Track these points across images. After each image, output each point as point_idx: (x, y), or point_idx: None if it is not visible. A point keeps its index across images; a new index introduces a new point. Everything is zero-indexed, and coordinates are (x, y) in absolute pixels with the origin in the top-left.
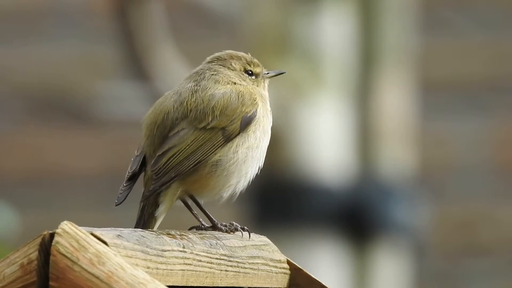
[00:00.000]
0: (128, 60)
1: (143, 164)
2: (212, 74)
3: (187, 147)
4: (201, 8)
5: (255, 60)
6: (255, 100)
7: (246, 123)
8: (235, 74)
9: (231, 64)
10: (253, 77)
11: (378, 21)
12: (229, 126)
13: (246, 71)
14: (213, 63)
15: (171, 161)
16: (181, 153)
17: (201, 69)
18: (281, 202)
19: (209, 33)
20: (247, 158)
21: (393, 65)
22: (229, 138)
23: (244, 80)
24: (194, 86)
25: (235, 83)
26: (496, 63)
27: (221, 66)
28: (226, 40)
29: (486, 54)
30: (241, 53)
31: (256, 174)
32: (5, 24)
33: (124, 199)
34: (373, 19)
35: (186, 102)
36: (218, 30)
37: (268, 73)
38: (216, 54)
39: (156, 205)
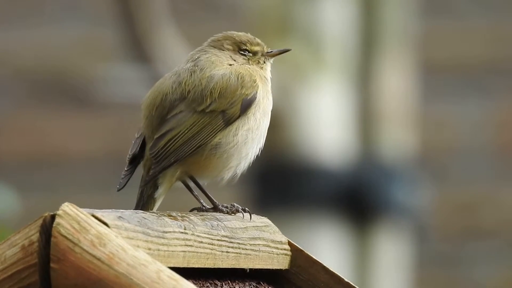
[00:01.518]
0: (129, 43)
1: (143, 145)
2: (207, 56)
3: (186, 131)
4: None
5: (255, 39)
6: (255, 82)
7: (246, 105)
8: (225, 55)
9: (222, 45)
10: (250, 54)
11: (379, 4)
12: (229, 109)
13: (241, 50)
14: (208, 45)
15: (170, 145)
16: (181, 137)
17: (198, 50)
18: (282, 184)
19: (211, 15)
20: (247, 140)
21: (394, 48)
22: (229, 122)
23: (237, 60)
24: (192, 66)
25: (232, 64)
26: (497, 46)
27: (212, 47)
28: (227, 23)
29: (487, 36)
30: (238, 33)
31: (257, 156)
32: (6, 6)
33: (125, 184)
34: (374, 2)
35: (185, 83)
36: (220, 12)
37: (271, 51)
38: (215, 35)
39: (155, 186)
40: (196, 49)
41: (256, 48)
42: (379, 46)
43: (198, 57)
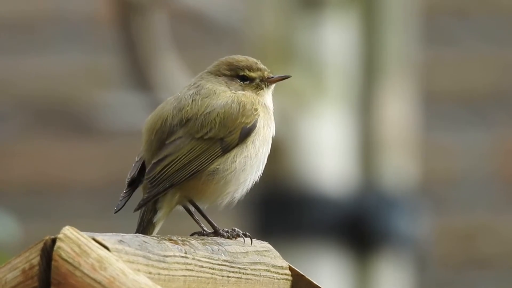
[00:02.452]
0: (130, 70)
1: (143, 169)
2: (206, 83)
3: (183, 157)
4: (204, 18)
5: (256, 64)
6: (256, 110)
7: (246, 134)
8: (219, 81)
9: (219, 70)
10: (247, 82)
11: (380, 31)
12: (227, 137)
13: (239, 76)
14: (207, 70)
15: (166, 170)
16: (177, 162)
17: (200, 76)
18: (283, 212)
19: (212, 43)
20: (246, 167)
21: (396, 76)
22: (227, 149)
23: (231, 87)
24: (194, 94)
25: (234, 92)
26: (499, 74)
27: (210, 74)
28: (228, 50)
29: (489, 65)
30: (240, 57)
31: (256, 182)
32: (8, 34)
33: (122, 206)
34: (376, 29)
35: (185, 109)
36: (221, 40)
37: (272, 77)
38: (219, 59)
39: (154, 211)
40: (199, 74)
41: (254, 74)
42: (381, 74)
43: (199, 84)
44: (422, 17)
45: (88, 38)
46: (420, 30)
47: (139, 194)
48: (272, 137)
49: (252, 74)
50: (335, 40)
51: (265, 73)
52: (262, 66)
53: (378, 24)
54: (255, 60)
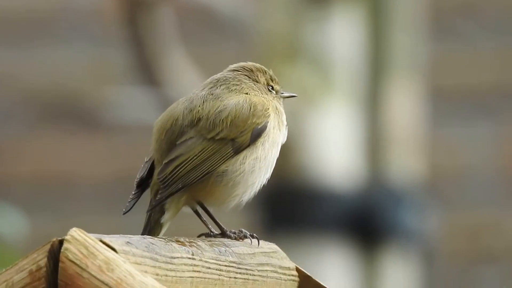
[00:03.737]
0: (138, 66)
1: (152, 169)
2: (234, 84)
3: (195, 157)
4: (212, 14)
5: (274, 76)
6: (267, 111)
7: (257, 135)
8: (259, 87)
9: (257, 76)
10: (274, 93)
11: (388, 28)
12: (239, 137)
13: (269, 86)
14: (239, 72)
15: (177, 171)
16: (189, 163)
17: (224, 76)
18: (291, 208)
19: (219, 39)
20: (254, 169)
21: (403, 72)
22: (238, 150)
23: (268, 95)
24: (206, 94)
25: (247, 93)
26: (506, 71)
27: (246, 77)
28: (236, 47)
29: (496, 61)
30: (268, 70)
31: (264, 185)
32: (15, 29)
33: (131, 207)
34: (383, 26)
35: (196, 110)
36: (228, 36)
37: (283, 93)
38: (241, 64)
39: (162, 211)
40: (220, 74)
41: (277, 87)
42: (388, 71)
43: (219, 84)
44: (430, 14)
45: (95, 34)
46: (427, 27)
47: (147, 194)
48: (283, 142)
49: (277, 87)
50: (343, 36)
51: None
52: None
53: (385, 21)
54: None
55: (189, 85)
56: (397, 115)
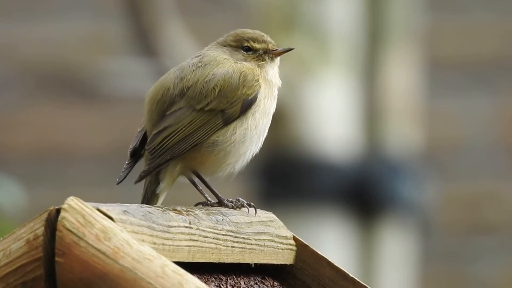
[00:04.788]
0: (135, 37)
1: (145, 139)
2: (211, 53)
3: (183, 128)
4: None
5: (262, 37)
6: (257, 81)
7: (247, 106)
8: (224, 51)
9: (225, 41)
10: (250, 52)
11: None
12: (228, 108)
13: (243, 47)
14: (216, 41)
15: (166, 142)
16: (178, 134)
17: (208, 47)
18: (287, 178)
19: (217, 10)
20: (245, 139)
21: (400, 43)
22: (228, 121)
23: (234, 57)
24: (197, 62)
25: (236, 62)
26: (503, 42)
27: (218, 44)
28: (233, 17)
29: (493, 32)
30: (247, 30)
31: (256, 154)
32: (12, 1)
33: (125, 177)
34: None
35: (186, 78)
36: (226, 7)
37: (276, 49)
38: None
39: (157, 182)
40: (208, 46)
41: (258, 46)
42: (385, 41)
43: (204, 53)
44: None
45: (92, 4)
46: None
47: (142, 164)
48: (273, 112)
49: (256, 45)
50: (340, 7)
51: (270, 45)
52: (268, 39)
53: None
54: (262, 33)
55: (186, 56)
56: (394, 85)
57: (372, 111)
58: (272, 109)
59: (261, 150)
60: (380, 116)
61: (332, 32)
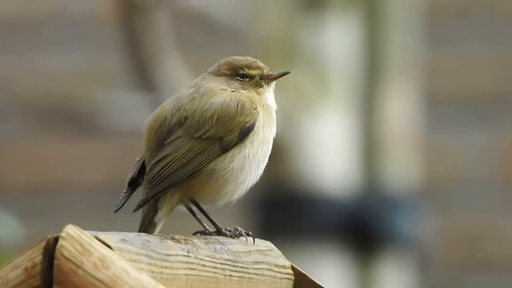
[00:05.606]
0: (133, 70)
1: (143, 169)
2: (207, 83)
3: (181, 157)
4: (207, 18)
5: (255, 63)
6: (255, 109)
7: (245, 133)
8: (220, 80)
9: (219, 70)
10: (247, 79)
11: (383, 32)
12: (226, 136)
13: (238, 75)
14: (208, 71)
15: (165, 170)
16: (176, 162)
17: (202, 76)
18: (286, 212)
19: (215, 43)
20: (244, 167)
21: (398, 77)
22: (226, 149)
23: (231, 85)
24: (193, 93)
25: (234, 91)
26: (501, 76)
27: (211, 74)
28: (232, 51)
29: (491, 67)
30: (239, 57)
31: (256, 182)
32: (11, 32)
33: (121, 206)
34: (379, 30)
35: (184, 108)
36: (224, 40)
37: (271, 74)
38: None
39: (155, 210)
40: (200, 75)
41: (253, 72)
42: (383, 75)
43: (199, 84)
44: (425, 18)
45: (91, 37)
46: (422, 31)
47: (140, 194)
48: (274, 137)
49: (252, 72)
50: (338, 40)
51: (265, 70)
52: (261, 64)
53: (380, 25)
54: (254, 59)
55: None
56: (392, 120)
57: (370, 145)
58: (272, 135)
59: (259, 183)
60: (378, 150)
61: (331, 65)
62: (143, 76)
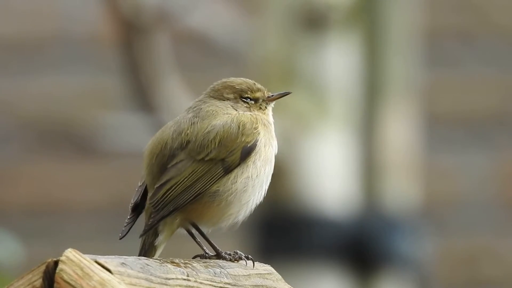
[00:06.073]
0: (133, 92)
1: (145, 194)
2: (208, 106)
3: (185, 180)
4: (207, 40)
5: (255, 85)
6: (256, 129)
7: (246, 153)
8: (225, 104)
9: (222, 95)
10: (252, 102)
11: (383, 54)
12: (228, 157)
13: (243, 98)
14: (207, 95)
15: (169, 194)
16: (179, 185)
17: (199, 100)
18: (286, 234)
19: (214, 65)
20: (247, 188)
21: (398, 98)
22: (228, 169)
23: (238, 109)
24: (193, 117)
25: (235, 112)
26: (501, 98)
27: (212, 98)
28: (231, 72)
29: (492, 88)
30: (237, 80)
31: (260, 203)
32: (11, 55)
33: (127, 233)
34: (378, 52)
35: (185, 133)
36: (223, 62)
37: (272, 95)
38: (214, 84)
39: (155, 234)
40: (197, 99)
41: (257, 95)
42: (383, 96)
43: (199, 108)
44: (425, 40)
45: (91, 60)
46: (422, 53)
47: (142, 218)
48: (275, 155)
49: (256, 95)
50: (338, 62)
51: (265, 92)
52: (260, 86)
53: (380, 47)
54: (251, 81)
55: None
56: (392, 141)
57: (370, 166)
58: (273, 155)
59: (259, 204)
60: (378, 171)
61: (330, 87)
62: (143, 97)
